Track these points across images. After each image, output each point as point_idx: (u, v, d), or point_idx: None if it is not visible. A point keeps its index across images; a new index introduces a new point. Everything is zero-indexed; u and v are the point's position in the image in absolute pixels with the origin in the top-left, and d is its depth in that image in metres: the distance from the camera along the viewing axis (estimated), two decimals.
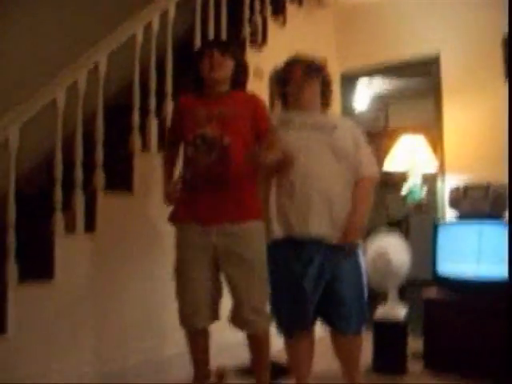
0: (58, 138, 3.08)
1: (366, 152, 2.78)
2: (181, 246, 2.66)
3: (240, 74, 2.74)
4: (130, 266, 3.31)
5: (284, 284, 2.63)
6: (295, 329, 2.76)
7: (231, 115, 2.57)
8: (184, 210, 2.63)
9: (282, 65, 2.91)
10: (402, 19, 4.90)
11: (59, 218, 3.00)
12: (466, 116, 4.46)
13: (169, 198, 2.68)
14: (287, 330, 2.78)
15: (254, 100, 2.73)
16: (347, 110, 5.33)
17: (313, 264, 2.57)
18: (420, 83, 5.74)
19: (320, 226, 2.56)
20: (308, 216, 2.54)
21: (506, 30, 4.10)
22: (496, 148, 4.12)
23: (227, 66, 2.64)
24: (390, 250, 3.73)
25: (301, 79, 2.76)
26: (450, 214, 4.17)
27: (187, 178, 2.62)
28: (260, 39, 4.47)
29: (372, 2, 5.06)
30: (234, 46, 2.85)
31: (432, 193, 4.63)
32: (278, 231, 2.61)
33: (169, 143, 2.93)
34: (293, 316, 2.68)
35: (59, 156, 3.06)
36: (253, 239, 2.58)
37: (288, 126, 2.73)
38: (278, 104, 2.99)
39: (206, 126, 2.55)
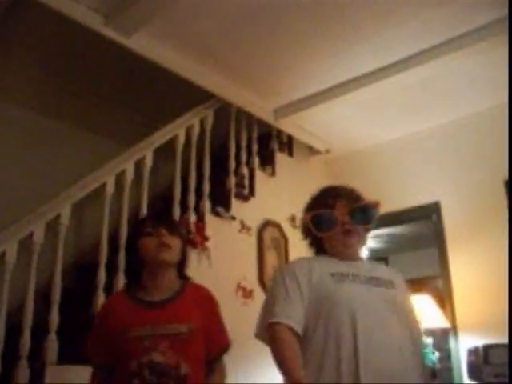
0: (3, 299, 2.65)
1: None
2: None
3: (185, 257, 2.18)
4: None
5: None
6: None
7: (187, 332, 1.93)
8: None
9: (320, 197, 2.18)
10: (398, 168, 4.69)
11: None
12: (474, 266, 4.05)
13: None
14: None
15: (210, 304, 2.13)
16: None
17: None
18: (421, 232, 5.41)
19: None
20: None
21: (507, 172, 3.85)
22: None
23: (176, 246, 2.07)
24: None
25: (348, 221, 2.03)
26: (467, 378, 3.60)
27: None
28: (247, 191, 4.20)
29: (366, 152, 4.89)
30: (179, 224, 2.38)
31: (445, 354, 4.07)
32: None
33: (96, 368, 2.07)
34: None
35: (2, 325, 2.63)
36: None
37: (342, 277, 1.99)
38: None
39: (154, 350, 1.87)
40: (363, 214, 2.07)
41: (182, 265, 2.13)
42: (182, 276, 2.13)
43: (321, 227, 2.05)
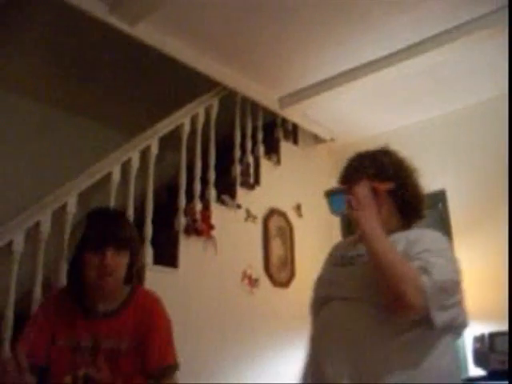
0: (11, 288, 2.67)
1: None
2: None
3: (134, 272, 1.90)
4: None
5: None
6: None
7: (126, 348, 1.79)
8: None
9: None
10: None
11: None
12: (480, 254, 4.03)
13: None
14: None
15: (153, 318, 1.86)
16: None
17: None
18: (425, 221, 5.38)
19: None
20: None
21: None
22: None
23: (122, 268, 1.82)
24: None
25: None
26: (472, 367, 3.61)
27: None
28: (252, 179, 4.19)
29: (371, 140, 4.80)
30: (132, 232, 1.92)
31: None
32: None
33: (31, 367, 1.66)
34: None
35: (10, 314, 2.64)
36: None
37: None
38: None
39: (91, 364, 1.74)
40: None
41: (130, 275, 1.87)
42: (131, 282, 1.89)
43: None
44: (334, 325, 1.68)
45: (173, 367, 1.86)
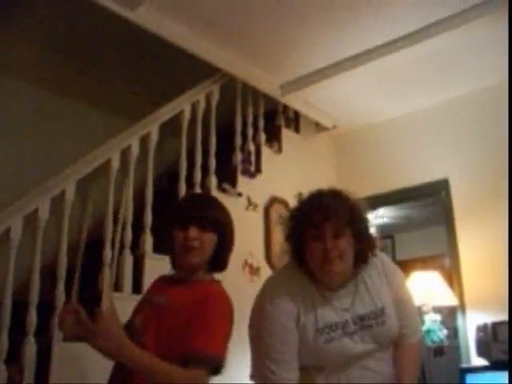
0: (9, 275, 2.64)
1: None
2: None
3: (224, 253, 2.00)
4: None
5: None
6: None
7: (164, 304, 1.89)
8: None
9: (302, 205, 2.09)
10: (406, 144, 4.63)
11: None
12: (483, 243, 4.01)
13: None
14: None
15: (205, 304, 1.82)
16: None
17: None
18: (428, 210, 5.37)
19: None
20: None
21: None
22: None
23: (207, 245, 1.91)
24: None
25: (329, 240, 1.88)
26: (475, 356, 3.58)
27: None
28: (253, 167, 4.15)
29: (373, 127, 4.83)
30: (220, 211, 2.01)
31: (453, 331, 4.06)
32: None
33: None
34: None
35: (8, 302, 2.62)
36: None
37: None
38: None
39: (138, 314, 1.97)
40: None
41: (215, 259, 1.96)
42: (213, 269, 2.00)
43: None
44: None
45: (207, 358, 1.72)
